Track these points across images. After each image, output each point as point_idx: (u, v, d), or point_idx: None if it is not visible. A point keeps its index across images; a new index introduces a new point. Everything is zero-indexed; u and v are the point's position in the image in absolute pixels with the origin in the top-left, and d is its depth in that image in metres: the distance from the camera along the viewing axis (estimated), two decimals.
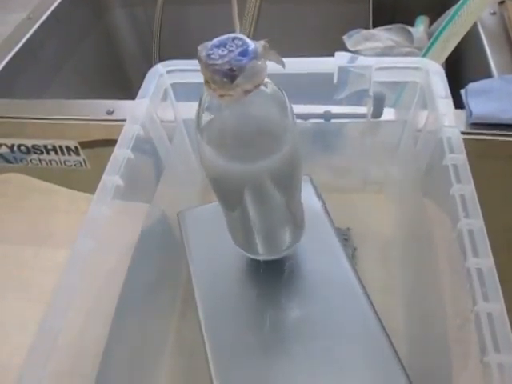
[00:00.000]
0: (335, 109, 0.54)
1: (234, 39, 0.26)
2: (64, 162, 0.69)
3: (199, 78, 0.27)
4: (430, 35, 0.79)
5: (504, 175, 0.56)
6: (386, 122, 0.55)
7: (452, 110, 0.43)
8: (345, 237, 0.57)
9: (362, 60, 0.49)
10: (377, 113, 0.53)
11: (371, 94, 0.50)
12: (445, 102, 0.44)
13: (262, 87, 0.27)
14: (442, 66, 0.51)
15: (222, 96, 0.26)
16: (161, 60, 0.52)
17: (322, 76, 0.50)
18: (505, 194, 0.57)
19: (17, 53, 0.77)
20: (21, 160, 0.70)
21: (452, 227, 0.36)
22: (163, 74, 0.50)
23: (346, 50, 0.80)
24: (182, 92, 0.52)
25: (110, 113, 0.62)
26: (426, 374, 0.40)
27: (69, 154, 0.67)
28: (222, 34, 0.27)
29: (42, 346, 0.32)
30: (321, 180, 0.48)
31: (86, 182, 0.51)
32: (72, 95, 0.86)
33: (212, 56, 0.25)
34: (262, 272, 0.42)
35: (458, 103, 0.54)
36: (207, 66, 0.25)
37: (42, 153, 0.68)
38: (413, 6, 0.89)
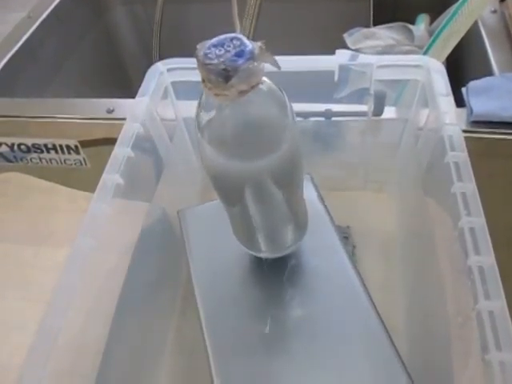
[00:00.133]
0: (336, 107, 0.54)
1: (232, 39, 0.26)
2: (64, 160, 0.69)
3: (199, 77, 0.27)
4: (430, 33, 0.79)
5: (505, 173, 0.56)
6: (387, 120, 0.55)
7: (453, 107, 0.43)
8: (345, 235, 0.57)
9: (362, 58, 0.49)
10: (378, 111, 0.52)
11: (372, 92, 0.50)
12: (446, 99, 0.44)
13: (261, 86, 0.27)
14: (443, 64, 0.50)
15: (217, 95, 0.26)
16: (161, 58, 0.51)
17: (322, 74, 0.50)
18: (505, 193, 0.57)
19: (17, 52, 0.77)
20: (21, 159, 0.70)
21: (453, 225, 0.36)
22: (163, 73, 0.50)
23: (346, 48, 0.80)
24: (183, 90, 0.52)
25: (110, 111, 0.62)
26: (427, 372, 0.40)
27: (69, 153, 0.67)
28: (223, 33, 0.27)
29: (42, 345, 0.32)
30: (321, 178, 0.48)
31: (87, 181, 0.51)
32: (72, 94, 0.86)
33: (209, 55, 0.25)
34: (262, 270, 0.42)
35: (459, 102, 0.54)
36: (203, 65, 0.26)
37: (42, 152, 0.68)
38: (413, 4, 0.89)
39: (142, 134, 0.45)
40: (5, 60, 0.75)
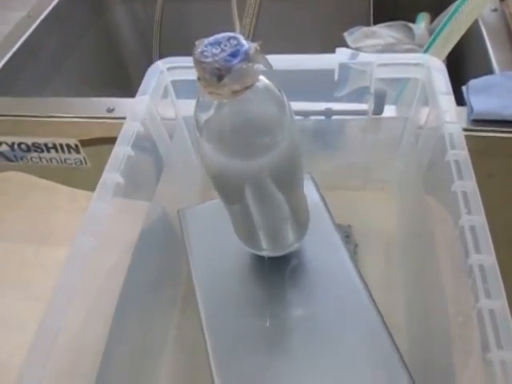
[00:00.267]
0: (336, 106, 0.54)
1: (229, 38, 0.26)
2: (64, 160, 0.69)
3: None
4: (431, 32, 0.78)
5: (505, 172, 0.56)
6: (388, 118, 0.55)
7: (454, 106, 0.43)
8: (346, 234, 0.57)
9: (363, 56, 0.49)
10: (378, 110, 0.52)
11: (372, 90, 0.50)
12: (446, 98, 0.44)
13: (259, 84, 0.27)
14: (444, 62, 0.50)
15: (211, 93, 0.26)
16: (161, 57, 0.51)
17: (322, 73, 0.50)
18: (506, 191, 0.57)
19: (17, 51, 0.77)
20: (21, 158, 0.70)
21: (454, 224, 0.36)
22: (163, 71, 0.50)
23: (346, 47, 0.79)
24: (183, 89, 0.52)
25: (110, 111, 0.62)
26: (427, 371, 0.40)
27: (69, 152, 0.67)
28: (223, 31, 0.27)
29: (42, 344, 0.32)
30: (322, 177, 0.48)
31: (87, 180, 0.51)
32: (72, 93, 0.86)
33: (205, 53, 0.26)
34: (263, 269, 0.42)
35: (460, 100, 0.54)
36: (198, 63, 0.26)
37: (42, 151, 0.68)
38: (414, 3, 0.89)
39: (142, 133, 0.45)
40: (5, 59, 0.75)
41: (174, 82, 0.51)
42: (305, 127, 0.56)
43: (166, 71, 0.50)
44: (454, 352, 0.36)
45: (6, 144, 0.68)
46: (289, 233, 0.40)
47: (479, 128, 0.54)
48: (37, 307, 0.52)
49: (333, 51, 0.49)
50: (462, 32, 0.62)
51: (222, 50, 0.26)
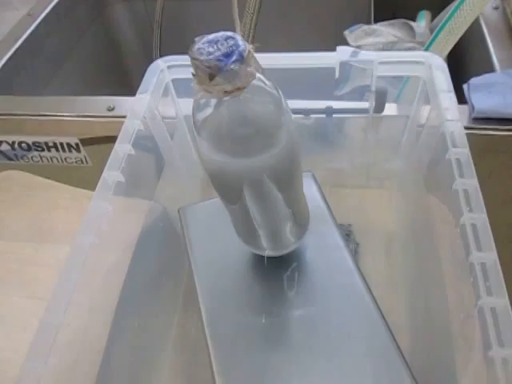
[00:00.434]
0: (337, 104, 0.54)
1: (227, 38, 0.26)
2: (65, 158, 0.69)
3: None
4: (432, 30, 0.78)
5: (507, 170, 0.56)
6: (389, 116, 0.55)
7: (455, 104, 0.43)
8: (347, 232, 0.57)
9: (364, 54, 0.49)
10: (379, 108, 0.52)
11: (373, 88, 0.50)
12: (447, 96, 0.43)
13: (256, 83, 0.27)
14: (445, 60, 0.50)
15: (203, 90, 0.26)
16: (161, 56, 0.51)
17: (323, 71, 0.50)
18: (507, 189, 0.57)
19: (17, 49, 0.77)
20: (22, 157, 0.70)
21: (455, 222, 0.36)
22: (164, 70, 0.50)
23: (347, 45, 0.79)
24: (183, 88, 0.52)
25: (110, 109, 0.62)
26: (429, 369, 0.40)
27: (70, 151, 0.67)
28: (224, 29, 0.27)
29: (42, 342, 0.32)
30: (322, 175, 0.48)
31: (87, 179, 0.51)
32: (72, 92, 0.86)
33: (201, 51, 0.26)
34: (263, 267, 0.41)
35: (461, 98, 0.54)
36: (192, 60, 0.26)
37: (42, 150, 0.68)
38: (414, 1, 0.89)
39: (143, 132, 0.45)
40: (5, 58, 0.75)
41: (174, 81, 0.51)
42: (306, 125, 0.56)
43: (166, 69, 0.50)
44: (455, 350, 0.36)
45: (7, 143, 0.68)
46: (288, 233, 0.39)
47: (480, 126, 0.54)
48: (37, 305, 0.52)
49: (334, 49, 0.49)
50: (463, 30, 0.62)
51: (218, 49, 0.26)
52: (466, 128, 0.53)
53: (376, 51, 0.49)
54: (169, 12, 0.93)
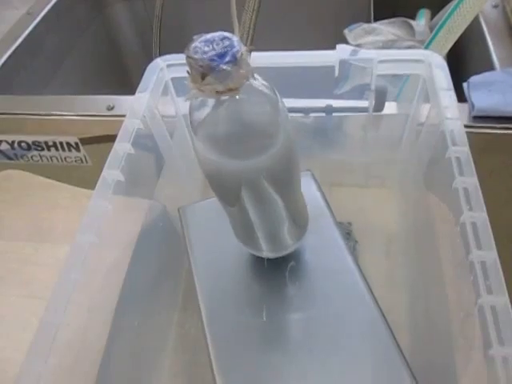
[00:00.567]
0: (336, 102, 0.54)
1: (223, 38, 0.26)
2: (65, 158, 0.69)
3: None
4: (431, 29, 0.78)
5: (506, 168, 0.56)
6: (388, 115, 0.55)
7: (455, 102, 0.43)
8: (347, 231, 0.57)
9: (363, 53, 0.49)
10: (379, 106, 0.52)
11: (373, 87, 0.50)
12: (447, 94, 0.43)
13: (253, 83, 0.27)
14: (444, 59, 0.50)
15: (196, 89, 0.26)
16: (161, 54, 0.51)
17: (323, 69, 0.50)
18: (507, 188, 0.57)
19: (17, 49, 0.77)
20: (21, 156, 0.70)
21: (455, 220, 0.36)
22: (163, 69, 0.50)
23: (346, 43, 0.79)
24: (183, 87, 0.52)
25: (110, 108, 0.62)
26: (429, 368, 0.40)
27: (69, 150, 0.67)
28: (223, 29, 0.27)
29: (42, 341, 0.32)
30: (322, 174, 0.48)
31: (87, 178, 0.51)
32: (72, 91, 0.86)
33: (196, 49, 0.26)
34: (263, 267, 0.41)
35: (460, 97, 0.54)
36: (186, 58, 0.26)
37: (42, 149, 0.68)
38: (414, 0, 0.89)
39: (143, 131, 0.45)
40: (5, 57, 0.75)
41: (173, 79, 0.51)
42: (305, 124, 0.56)
43: (165, 68, 0.50)
44: (455, 348, 0.36)
45: (7, 142, 0.68)
46: (287, 234, 0.39)
47: (480, 125, 0.54)
48: (37, 304, 0.52)
49: (333, 48, 0.49)
50: (463, 28, 0.62)
51: (212, 49, 0.25)
52: (466, 126, 0.53)
53: (376, 50, 0.49)
54: (168, 11, 0.93)
